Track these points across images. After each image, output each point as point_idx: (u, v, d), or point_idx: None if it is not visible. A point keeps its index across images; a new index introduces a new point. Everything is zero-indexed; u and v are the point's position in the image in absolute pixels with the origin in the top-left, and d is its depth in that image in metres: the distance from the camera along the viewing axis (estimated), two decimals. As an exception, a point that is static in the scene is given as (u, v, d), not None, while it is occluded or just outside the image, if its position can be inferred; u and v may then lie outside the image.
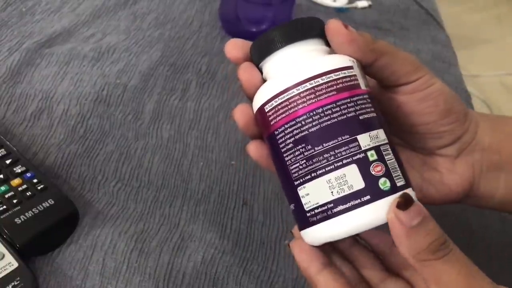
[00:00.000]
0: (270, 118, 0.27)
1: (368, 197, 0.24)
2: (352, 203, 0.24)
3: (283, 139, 0.26)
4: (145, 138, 0.47)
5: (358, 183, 0.24)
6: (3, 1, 0.62)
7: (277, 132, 0.26)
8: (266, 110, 0.27)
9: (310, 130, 0.25)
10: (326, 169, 0.25)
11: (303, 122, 0.25)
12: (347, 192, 0.24)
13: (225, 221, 0.41)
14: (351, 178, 0.24)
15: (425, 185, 0.32)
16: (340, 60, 0.27)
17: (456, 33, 0.93)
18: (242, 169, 0.46)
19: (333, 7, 0.75)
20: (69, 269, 0.36)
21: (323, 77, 0.26)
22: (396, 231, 0.24)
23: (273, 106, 0.26)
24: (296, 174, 0.26)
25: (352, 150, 0.25)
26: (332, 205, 0.25)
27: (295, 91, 0.26)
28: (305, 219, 0.26)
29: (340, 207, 0.24)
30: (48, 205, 0.37)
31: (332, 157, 0.25)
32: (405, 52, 0.31)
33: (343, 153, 0.25)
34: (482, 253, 0.43)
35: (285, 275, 0.38)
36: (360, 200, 0.24)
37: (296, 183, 0.26)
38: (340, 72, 0.26)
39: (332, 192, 0.25)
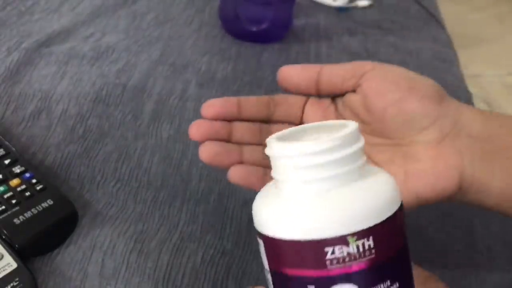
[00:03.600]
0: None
1: None
2: None
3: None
4: (145, 138, 0.47)
5: None
6: (2, 1, 0.62)
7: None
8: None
9: None
10: None
11: None
12: None
13: (225, 222, 0.41)
14: None
15: (409, 179, 0.30)
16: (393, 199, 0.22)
17: (457, 33, 0.93)
18: (242, 169, 0.46)
19: (334, 6, 0.75)
20: (68, 270, 0.36)
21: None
22: None
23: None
24: None
25: None
26: None
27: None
28: None
29: None
30: (47, 205, 0.37)
31: None
32: None
33: None
34: (483, 254, 0.43)
35: (285, 276, 0.38)
36: None
37: None
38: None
39: None
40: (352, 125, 0.22)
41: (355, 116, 0.33)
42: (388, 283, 0.21)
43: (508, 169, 0.30)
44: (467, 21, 1.92)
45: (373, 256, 0.20)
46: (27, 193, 0.38)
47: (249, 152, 0.33)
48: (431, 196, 0.30)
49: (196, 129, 0.32)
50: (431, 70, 0.65)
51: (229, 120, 0.33)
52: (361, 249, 0.20)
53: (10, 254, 0.34)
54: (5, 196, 0.37)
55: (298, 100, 0.35)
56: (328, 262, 0.20)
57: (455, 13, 1.80)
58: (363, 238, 0.20)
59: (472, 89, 0.66)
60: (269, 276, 0.23)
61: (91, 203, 0.40)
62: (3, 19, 0.59)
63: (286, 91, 0.35)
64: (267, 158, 0.24)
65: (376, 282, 0.20)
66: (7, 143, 0.42)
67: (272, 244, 0.22)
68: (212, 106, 0.32)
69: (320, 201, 0.21)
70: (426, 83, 0.32)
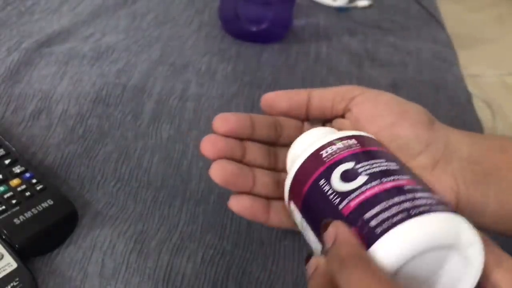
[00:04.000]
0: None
1: None
2: None
3: None
4: (145, 138, 0.47)
5: None
6: (2, 1, 0.62)
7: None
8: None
9: None
10: None
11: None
12: None
13: (225, 222, 0.41)
14: None
15: None
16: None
17: (457, 33, 0.93)
18: (242, 169, 0.46)
19: (334, 6, 0.75)
20: (68, 270, 0.36)
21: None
22: None
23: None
24: None
25: None
26: None
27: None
28: None
29: None
30: (47, 205, 0.37)
31: None
32: None
33: None
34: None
35: (285, 276, 0.38)
36: None
37: None
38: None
39: None
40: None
41: None
42: (383, 161, 0.25)
43: (501, 190, 0.30)
44: (467, 21, 1.92)
45: (359, 147, 0.26)
46: (27, 193, 0.38)
47: (260, 176, 0.31)
48: None
49: (211, 146, 0.30)
50: (431, 70, 0.65)
51: (241, 138, 0.31)
52: (346, 145, 0.26)
53: (10, 254, 0.34)
54: (5, 196, 0.37)
55: (298, 124, 0.34)
56: (325, 159, 0.26)
57: (455, 13, 1.80)
58: (347, 139, 0.27)
59: (472, 89, 0.66)
60: (303, 222, 0.27)
61: (91, 203, 0.40)
62: (3, 19, 0.59)
63: (272, 115, 0.34)
64: (276, 185, 0.31)
65: (369, 158, 0.25)
66: (7, 143, 0.42)
67: (295, 183, 0.27)
68: (226, 121, 0.31)
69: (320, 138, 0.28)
70: (416, 109, 0.32)
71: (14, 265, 0.33)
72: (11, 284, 0.32)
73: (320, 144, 0.27)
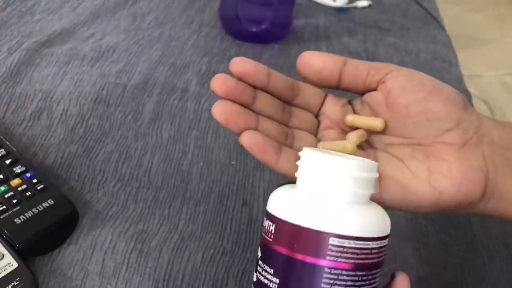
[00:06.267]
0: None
1: None
2: None
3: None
4: (145, 138, 0.47)
5: None
6: (3, 1, 0.62)
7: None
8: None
9: None
10: None
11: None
12: None
13: (225, 221, 0.41)
14: None
15: (433, 176, 0.29)
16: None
17: (457, 33, 0.93)
18: (242, 169, 0.46)
19: (333, 6, 0.75)
20: (69, 269, 0.36)
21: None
22: None
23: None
24: None
25: None
26: None
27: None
28: None
29: None
30: (47, 205, 0.37)
31: None
32: None
33: None
34: (483, 254, 0.43)
35: (285, 276, 0.38)
36: None
37: None
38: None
39: None
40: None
41: (375, 114, 0.32)
42: None
43: None
44: (467, 22, 1.92)
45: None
46: (28, 193, 0.38)
47: (266, 124, 0.30)
48: (454, 198, 0.29)
49: (221, 83, 0.29)
50: (430, 70, 0.66)
51: (254, 86, 0.31)
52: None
53: (11, 254, 0.34)
54: (6, 196, 0.37)
55: (319, 91, 0.34)
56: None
57: (454, 14, 1.80)
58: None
59: (471, 89, 0.66)
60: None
61: (91, 203, 0.41)
62: (4, 19, 0.59)
63: (304, 76, 0.33)
64: (283, 136, 0.30)
65: None
66: (8, 143, 0.42)
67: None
68: (245, 63, 0.30)
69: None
70: (451, 89, 0.32)
71: (14, 264, 0.33)
72: (12, 284, 0.33)
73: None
